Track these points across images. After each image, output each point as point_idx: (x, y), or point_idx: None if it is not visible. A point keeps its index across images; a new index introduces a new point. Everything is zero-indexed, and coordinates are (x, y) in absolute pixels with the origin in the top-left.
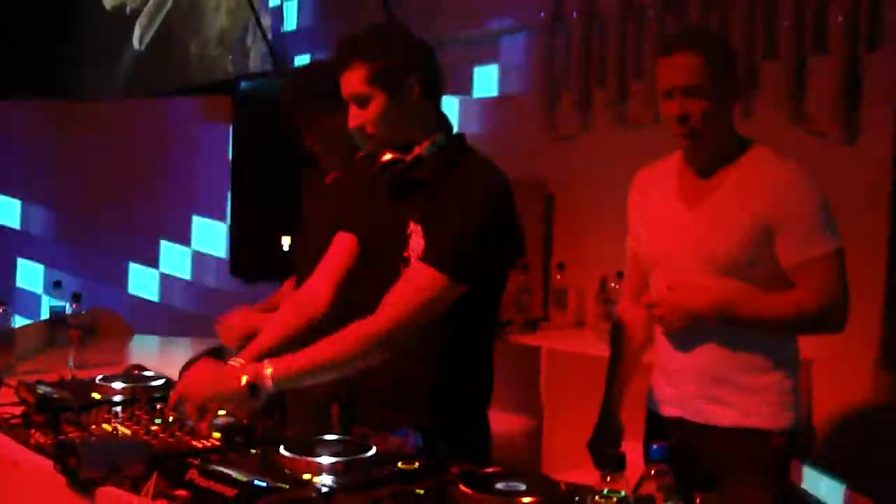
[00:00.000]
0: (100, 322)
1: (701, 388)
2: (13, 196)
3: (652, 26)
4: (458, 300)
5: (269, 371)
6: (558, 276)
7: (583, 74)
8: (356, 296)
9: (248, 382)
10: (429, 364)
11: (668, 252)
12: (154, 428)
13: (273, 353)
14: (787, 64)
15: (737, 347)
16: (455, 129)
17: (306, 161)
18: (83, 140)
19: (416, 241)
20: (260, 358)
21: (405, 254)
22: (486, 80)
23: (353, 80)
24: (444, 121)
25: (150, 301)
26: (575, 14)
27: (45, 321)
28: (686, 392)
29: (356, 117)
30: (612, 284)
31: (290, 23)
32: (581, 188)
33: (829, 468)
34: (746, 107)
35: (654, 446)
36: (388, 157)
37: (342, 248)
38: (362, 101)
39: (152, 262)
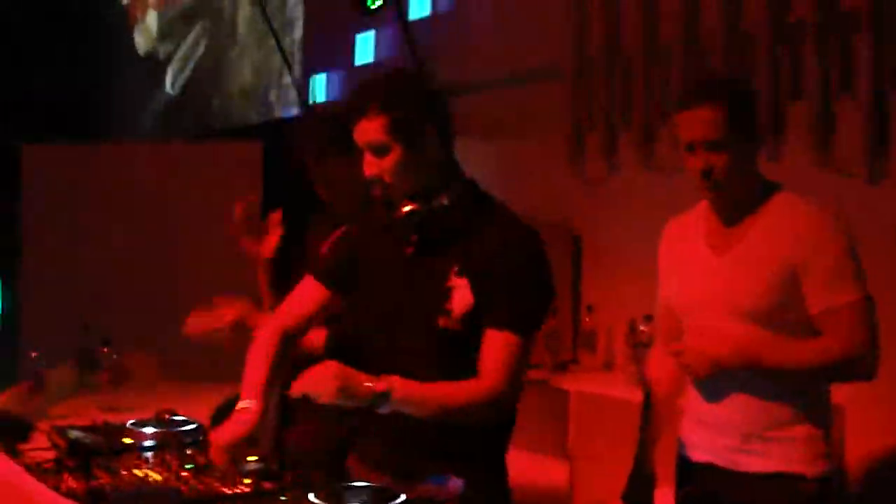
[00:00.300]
0: (131, 365)
1: (731, 439)
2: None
3: (678, 66)
4: None
5: (397, 388)
6: (587, 319)
7: (607, 116)
8: (380, 345)
9: (375, 395)
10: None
11: (698, 300)
12: (184, 474)
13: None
14: (813, 105)
15: (766, 397)
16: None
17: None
18: (113, 182)
19: (462, 295)
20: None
21: (446, 306)
22: (512, 124)
23: (371, 129)
24: (456, 169)
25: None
26: (598, 55)
27: (74, 364)
28: (717, 441)
29: (372, 165)
30: (641, 327)
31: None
32: (609, 230)
33: None
34: (773, 149)
35: (685, 495)
36: (408, 207)
37: (313, 296)
38: (380, 150)
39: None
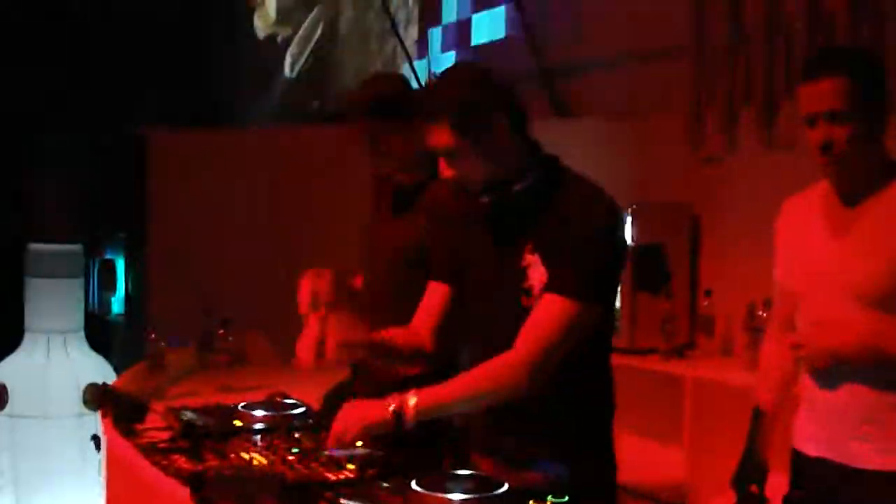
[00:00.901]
0: (247, 347)
1: (847, 427)
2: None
3: (801, 42)
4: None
5: (413, 401)
6: (705, 303)
7: (728, 93)
8: (477, 335)
9: (394, 412)
10: (563, 391)
11: (813, 284)
12: (290, 458)
13: None
14: None
15: (886, 387)
16: (548, 153)
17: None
18: (235, 167)
19: (537, 271)
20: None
21: (525, 285)
22: (630, 102)
23: (439, 134)
24: (534, 147)
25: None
26: (719, 32)
27: (194, 345)
28: (832, 431)
29: (448, 168)
30: (761, 312)
31: (435, 48)
32: (729, 211)
33: None
34: None
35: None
36: (485, 198)
37: (435, 298)
38: (452, 154)
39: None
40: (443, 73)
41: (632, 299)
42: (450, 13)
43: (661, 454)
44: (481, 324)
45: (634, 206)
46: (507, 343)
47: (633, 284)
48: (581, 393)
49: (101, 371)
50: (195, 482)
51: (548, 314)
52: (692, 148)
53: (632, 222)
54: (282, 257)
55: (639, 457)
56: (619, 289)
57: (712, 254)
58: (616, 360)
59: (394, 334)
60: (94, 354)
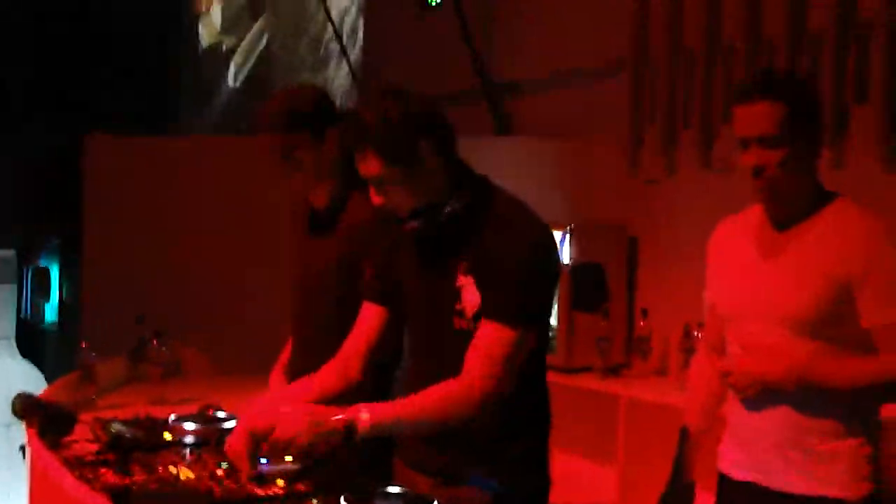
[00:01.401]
0: (182, 358)
1: (774, 453)
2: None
3: (740, 65)
4: None
5: (365, 416)
6: (641, 323)
7: (668, 115)
8: (412, 356)
9: (344, 426)
10: (496, 410)
11: (742, 307)
12: (219, 472)
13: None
14: (880, 108)
15: (811, 412)
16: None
17: None
18: (175, 176)
19: (470, 293)
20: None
21: (458, 307)
22: (570, 123)
23: (367, 164)
24: (463, 169)
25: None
26: (660, 53)
27: (127, 356)
28: (758, 457)
29: (377, 196)
30: (696, 333)
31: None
32: (666, 232)
33: None
34: (838, 154)
35: None
36: (413, 223)
37: (368, 320)
38: (381, 182)
39: (236, 299)
40: (366, 100)
41: (569, 318)
42: None
43: (595, 473)
44: (416, 345)
45: (573, 226)
46: (440, 364)
47: (570, 303)
48: (515, 409)
49: (31, 379)
50: (119, 498)
51: (495, 344)
52: (631, 170)
53: (570, 242)
54: (220, 267)
55: (573, 475)
56: (554, 306)
57: (649, 274)
58: (552, 377)
59: (314, 388)
60: (24, 362)
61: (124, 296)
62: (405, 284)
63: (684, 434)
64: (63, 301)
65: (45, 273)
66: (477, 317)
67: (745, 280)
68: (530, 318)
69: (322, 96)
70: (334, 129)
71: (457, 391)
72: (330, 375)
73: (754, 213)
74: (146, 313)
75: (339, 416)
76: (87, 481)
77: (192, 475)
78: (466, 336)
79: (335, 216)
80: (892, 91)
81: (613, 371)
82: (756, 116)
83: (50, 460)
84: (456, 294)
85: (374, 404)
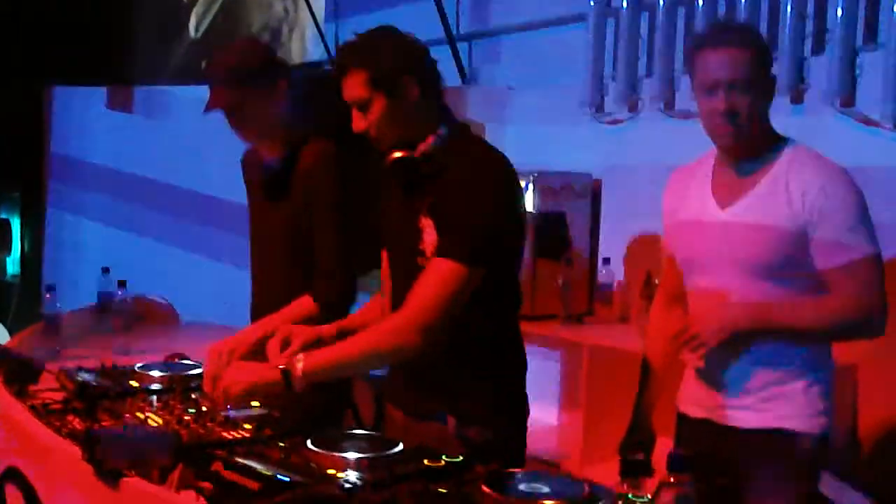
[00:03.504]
0: (146, 309)
1: (727, 396)
2: (70, 181)
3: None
4: (480, 286)
5: (300, 364)
6: (603, 271)
7: (630, 62)
8: (391, 293)
9: (282, 371)
10: (459, 350)
11: (702, 254)
12: (186, 418)
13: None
14: (838, 59)
15: (764, 355)
16: (457, 120)
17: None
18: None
19: (430, 234)
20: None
21: (420, 246)
22: (534, 70)
23: (353, 86)
24: (446, 114)
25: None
26: (624, 3)
27: (92, 307)
28: (712, 398)
29: (359, 121)
30: (656, 280)
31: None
32: (628, 179)
33: (869, 488)
34: (795, 100)
35: (674, 455)
36: (396, 155)
37: (384, 264)
38: (363, 106)
39: (200, 249)
40: (364, 32)
41: (532, 266)
42: None
43: (559, 419)
44: (392, 279)
45: (536, 174)
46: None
47: (533, 251)
48: (481, 349)
49: None
50: (87, 442)
51: (435, 277)
52: (594, 116)
53: (533, 190)
54: (184, 217)
55: (537, 421)
56: (519, 255)
57: (612, 222)
58: None
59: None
60: None
61: (87, 247)
62: (384, 219)
63: (644, 380)
64: (25, 254)
65: (6, 225)
66: (435, 254)
67: (703, 228)
68: (476, 256)
69: (269, 50)
70: (283, 81)
71: (391, 324)
72: (373, 311)
73: (708, 161)
74: (110, 264)
75: (277, 365)
76: (55, 428)
77: (160, 420)
78: None
79: (288, 171)
80: (849, 41)
81: (576, 319)
82: (728, 61)
83: (16, 408)
84: (419, 234)
85: (312, 351)
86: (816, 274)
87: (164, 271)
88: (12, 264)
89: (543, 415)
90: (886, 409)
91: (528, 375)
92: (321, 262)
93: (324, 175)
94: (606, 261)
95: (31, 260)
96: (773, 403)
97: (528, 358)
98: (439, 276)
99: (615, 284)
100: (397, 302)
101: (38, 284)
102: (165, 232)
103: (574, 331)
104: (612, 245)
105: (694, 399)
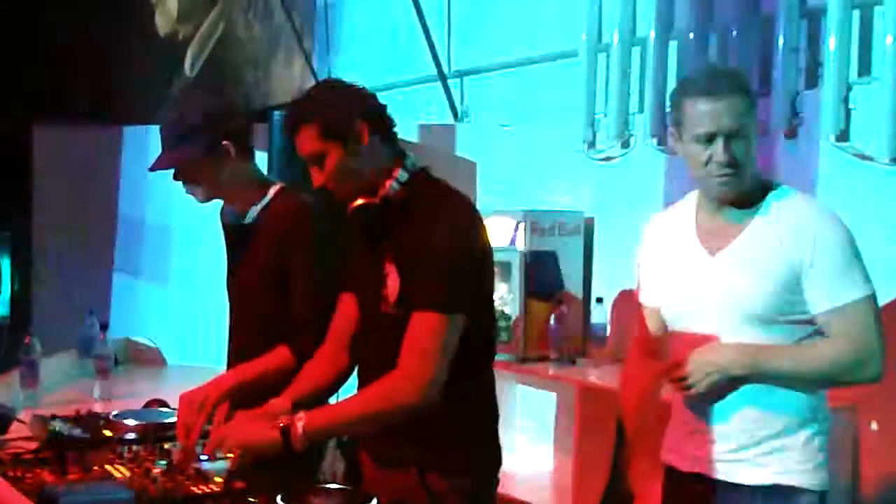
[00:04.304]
0: (132, 352)
1: (723, 448)
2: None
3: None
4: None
5: (301, 422)
6: (597, 311)
7: (621, 98)
8: (358, 336)
9: (282, 431)
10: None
11: (690, 302)
12: (156, 470)
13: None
14: (831, 92)
15: (762, 404)
16: (414, 162)
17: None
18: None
19: (393, 280)
20: (296, 405)
21: (384, 293)
22: (527, 106)
23: (306, 140)
24: (403, 157)
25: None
26: (615, 39)
27: (74, 351)
28: (708, 452)
29: (317, 175)
30: None
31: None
32: (622, 217)
33: None
34: (789, 135)
35: None
36: (357, 202)
37: (343, 308)
38: (318, 159)
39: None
40: (308, 89)
41: (523, 307)
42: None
43: (550, 459)
44: (360, 325)
45: (528, 212)
46: (374, 347)
47: (524, 291)
48: (452, 401)
49: None
50: (45, 500)
51: (423, 331)
52: (587, 153)
53: (525, 228)
54: (173, 259)
55: (530, 462)
56: (488, 296)
57: (604, 261)
58: (506, 367)
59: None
60: None
61: (74, 289)
62: (351, 267)
63: (619, 443)
64: (14, 295)
65: None
66: (399, 303)
67: (690, 275)
68: (455, 303)
69: (213, 106)
70: (225, 139)
71: (391, 384)
72: (320, 366)
73: (687, 208)
74: (96, 306)
75: (277, 424)
76: (15, 481)
77: (127, 473)
78: (391, 320)
79: (260, 223)
80: (842, 74)
81: (569, 360)
82: (725, 110)
83: None
84: (383, 280)
85: (313, 410)
86: (810, 319)
87: (152, 314)
88: (2, 305)
89: (535, 455)
90: (890, 458)
91: (520, 416)
92: (297, 312)
93: (297, 228)
94: (599, 300)
95: (20, 301)
96: (772, 457)
97: (521, 399)
98: (426, 329)
99: (609, 324)
100: (360, 347)
101: (27, 326)
102: (156, 271)
103: (566, 372)
104: (606, 284)
105: (682, 451)
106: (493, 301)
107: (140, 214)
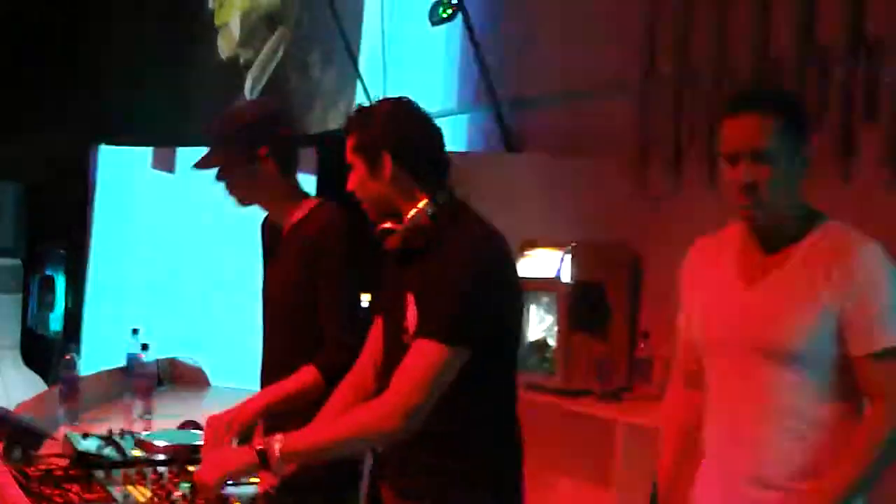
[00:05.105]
0: (174, 372)
1: (749, 486)
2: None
3: (747, 83)
4: (466, 367)
5: (278, 445)
6: (643, 345)
7: (674, 133)
8: (382, 366)
9: (258, 453)
10: (444, 434)
11: (723, 336)
12: (178, 493)
13: None
14: (887, 126)
15: (790, 437)
16: (451, 192)
17: None
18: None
19: (412, 311)
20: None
21: (404, 324)
22: (576, 139)
23: (347, 148)
24: (434, 188)
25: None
26: (668, 70)
27: (119, 369)
28: (733, 489)
29: (350, 182)
30: None
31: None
32: (670, 252)
33: None
34: (844, 173)
35: None
36: (384, 226)
37: (375, 331)
38: (351, 168)
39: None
40: (372, 104)
41: (566, 339)
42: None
43: (593, 498)
44: (383, 358)
45: (574, 245)
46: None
47: (568, 323)
48: (470, 438)
49: (33, 389)
50: None
51: (418, 358)
52: (636, 188)
53: (571, 261)
54: (221, 280)
55: (571, 499)
56: (512, 338)
57: (652, 295)
58: (548, 400)
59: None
60: (28, 372)
61: (124, 306)
62: (383, 292)
63: (661, 474)
64: (68, 310)
65: (51, 282)
66: (416, 334)
67: (726, 307)
68: (457, 336)
69: (262, 114)
70: (264, 148)
71: (370, 408)
72: (347, 392)
73: (733, 235)
74: (143, 325)
75: (254, 447)
76: (39, 498)
77: (148, 495)
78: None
79: (294, 235)
80: None
81: (614, 395)
82: (746, 129)
83: (3, 475)
84: (404, 309)
85: (292, 432)
86: (846, 362)
87: (198, 333)
88: (56, 321)
89: (576, 493)
90: None
91: (562, 452)
92: (327, 331)
93: (330, 241)
94: (646, 335)
95: (74, 317)
96: (799, 498)
97: (562, 434)
98: (422, 357)
99: (654, 360)
100: (382, 376)
101: (79, 341)
102: (203, 294)
103: (610, 408)
104: (653, 319)
105: (712, 495)
106: (516, 335)
107: None
